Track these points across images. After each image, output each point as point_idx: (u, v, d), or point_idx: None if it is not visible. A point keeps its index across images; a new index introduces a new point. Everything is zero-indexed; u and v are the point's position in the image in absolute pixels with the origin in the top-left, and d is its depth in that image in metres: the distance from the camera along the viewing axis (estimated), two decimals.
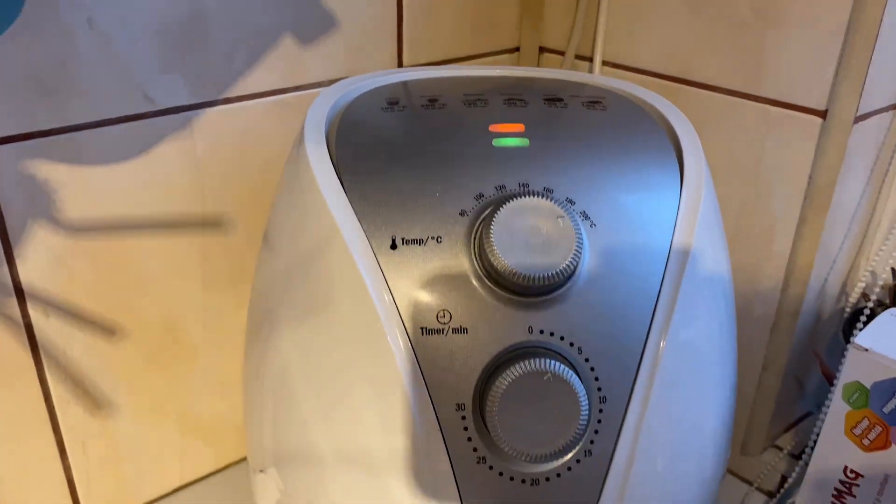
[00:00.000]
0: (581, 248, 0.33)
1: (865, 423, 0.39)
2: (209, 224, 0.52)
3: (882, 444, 0.39)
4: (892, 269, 0.55)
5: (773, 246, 0.54)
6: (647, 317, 0.34)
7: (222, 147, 0.51)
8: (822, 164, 0.50)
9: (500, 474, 0.34)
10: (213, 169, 0.51)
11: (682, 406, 0.36)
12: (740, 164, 0.54)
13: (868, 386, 0.39)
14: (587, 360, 0.34)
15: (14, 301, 0.46)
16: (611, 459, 0.34)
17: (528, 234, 0.33)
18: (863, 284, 0.54)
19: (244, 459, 0.61)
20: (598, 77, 0.48)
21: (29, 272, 0.46)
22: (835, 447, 0.41)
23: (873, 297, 0.52)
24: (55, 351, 0.48)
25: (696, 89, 0.55)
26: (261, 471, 0.41)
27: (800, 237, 0.52)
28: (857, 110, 0.48)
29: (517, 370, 0.32)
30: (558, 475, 0.34)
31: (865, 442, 0.40)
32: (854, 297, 0.55)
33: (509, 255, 0.32)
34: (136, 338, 0.52)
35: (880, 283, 0.53)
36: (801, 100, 0.50)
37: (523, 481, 0.34)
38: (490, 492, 0.34)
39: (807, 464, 0.44)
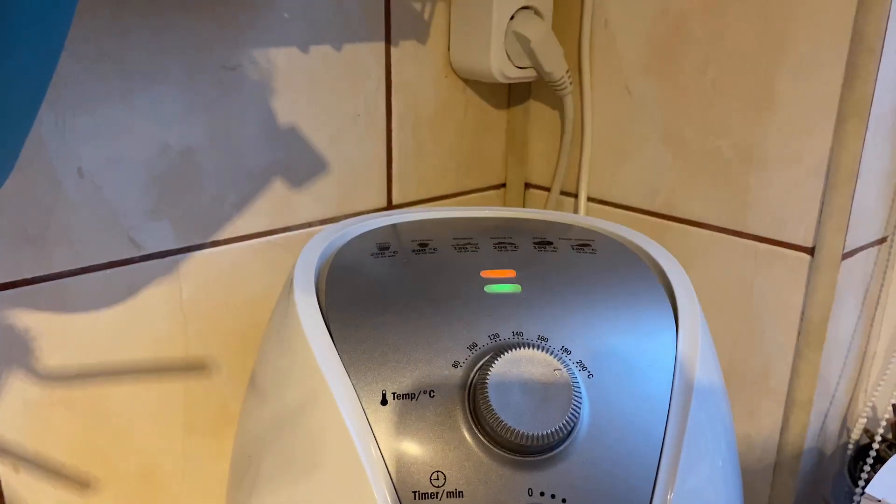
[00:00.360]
0: (580, 402, 0.32)
1: None
2: (192, 368, 0.51)
3: None
4: (894, 405, 0.53)
5: (769, 382, 0.53)
6: (652, 470, 0.33)
7: (208, 290, 0.50)
8: (814, 300, 0.49)
9: None
10: (198, 312, 0.50)
11: None
12: (731, 300, 0.53)
13: None
14: None
15: None
16: None
17: (524, 388, 0.32)
18: (864, 420, 0.53)
19: None
20: (585, 218, 0.48)
21: (2, 424, 0.44)
22: None
23: (878, 435, 0.51)
24: None
25: (682, 225, 0.55)
26: None
27: (796, 373, 0.51)
28: (843, 247, 0.48)
29: None
30: None
31: None
32: (856, 433, 0.53)
33: (506, 411, 0.31)
34: (111, 491, 0.49)
35: (883, 419, 0.52)
36: (787, 237, 0.50)
37: None
38: None
39: None
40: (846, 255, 0.49)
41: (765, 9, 0.48)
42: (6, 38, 0.21)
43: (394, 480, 0.32)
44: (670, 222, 0.56)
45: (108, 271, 0.46)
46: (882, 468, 0.40)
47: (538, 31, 0.55)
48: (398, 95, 0.56)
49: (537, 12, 0.56)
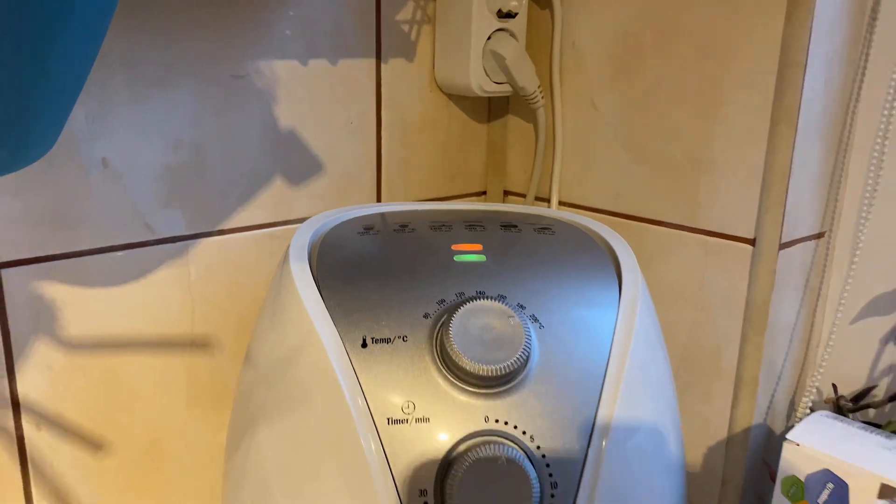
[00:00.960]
0: (530, 344, 0.38)
1: None
2: (197, 345, 0.56)
3: None
4: (833, 385, 0.59)
5: (720, 364, 0.58)
6: (594, 406, 0.38)
7: (214, 274, 0.56)
8: (756, 286, 0.55)
9: None
10: (204, 293, 0.56)
11: (631, 489, 0.39)
12: (686, 290, 0.59)
13: (803, 479, 0.42)
14: (538, 447, 0.37)
15: (10, 413, 0.49)
16: None
17: (482, 332, 0.37)
18: (809, 399, 0.58)
19: None
20: (550, 210, 0.54)
21: (26, 386, 0.49)
22: None
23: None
24: (43, 464, 0.51)
25: (642, 224, 0.61)
26: None
27: (743, 355, 0.57)
28: (780, 238, 0.54)
29: (474, 456, 0.35)
30: None
31: None
32: (801, 411, 0.58)
33: (467, 351, 0.37)
34: (120, 455, 0.54)
35: (825, 398, 0.57)
36: (733, 230, 0.56)
37: None
38: None
39: None
40: (783, 246, 0.54)
41: (709, 32, 0.55)
42: (65, 14, 0.27)
43: (371, 409, 0.37)
44: (632, 221, 0.62)
45: (125, 252, 0.52)
46: (803, 420, 0.45)
47: (512, 50, 0.61)
48: (387, 107, 0.63)
49: (512, 34, 0.63)
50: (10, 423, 0.49)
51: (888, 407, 0.59)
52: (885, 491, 0.39)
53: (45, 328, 0.49)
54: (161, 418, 0.56)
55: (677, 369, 0.61)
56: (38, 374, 0.49)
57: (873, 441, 0.43)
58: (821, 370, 0.58)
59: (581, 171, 0.65)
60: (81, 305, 0.50)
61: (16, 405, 0.49)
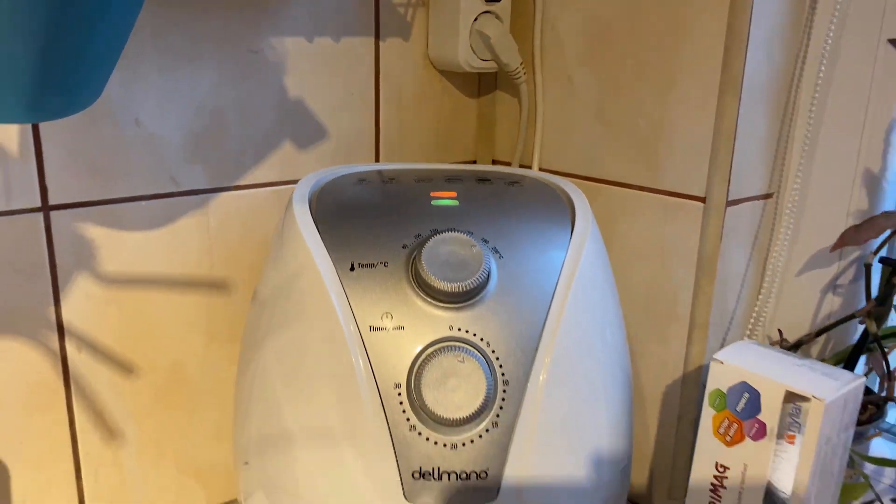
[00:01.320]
0: (489, 268, 0.45)
1: (726, 422, 0.49)
2: (215, 286, 0.64)
3: (739, 438, 0.49)
4: (779, 330, 0.66)
5: (677, 310, 0.65)
6: (542, 320, 0.46)
7: (230, 224, 0.64)
8: (706, 239, 0.62)
9: (427, 440, 0.44)
10: (222, 241, 0.64)
11: (574, 390, 0.46)
12: (647, 245, 0.66)
13: (725, 391, 0.49)
14: (493, 350, 0.45)
15: (55, 336, 0.57)
16: (513, 430, 0.44)
17: (449, 257, 0.45)
18: None
19: (234, 501, 0.69)
20: (524, 170, 0.61)
21: (70, 312, 0.57)
22: (708, 448, 0.51)
23: None
24: (82, 381, 0.59)
25: (610, 186, 0.69)
26: (245, 463, 0.51)
27: (696, 301, 0.64)
28: (727, 196, 0.61)
29: (440, 355, 0.43)
30: (472, 441, 0.44)
31: (728, 438, 0.49)
32: None
33: (435, 272, 0.45)
34: (147, 378, 0.62)
35: (771, 343, 0.64)
36: (687, 190, 0.63)
37: (445, 445, 0.44)
38: (420, 455, 0.44)
39: None
40: (731, 203, 0.62)
41: (666, 16, 0.62)
42: None
43: (356, 319, 0.45)
44: (602, 185, 0.69)
45: (153, 201, 0.60)
46: (730, 345, 0.52)
47: (496, 31, 0.69)
48: (385, 81, 0.71)
49: (497, 16, 0.70)
50: (56, 345, 0.57)
51: (829, 348, 0.66)
52: (788, 397, 0.47)
53: (85, 264, 0.57)
54: (183, 349, 0.64)
55: (639, 317, 0.68)
56: (79, 304, 0.58)
57: (786, 361, 0.50)
58: (763, 315, 0.66)
59: (559, 140, 0.72)
60: (115, 246, 0.59)
61: (60, 329, 0.57)
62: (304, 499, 0.46)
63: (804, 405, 0.46)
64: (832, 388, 0.46)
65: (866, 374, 0.65)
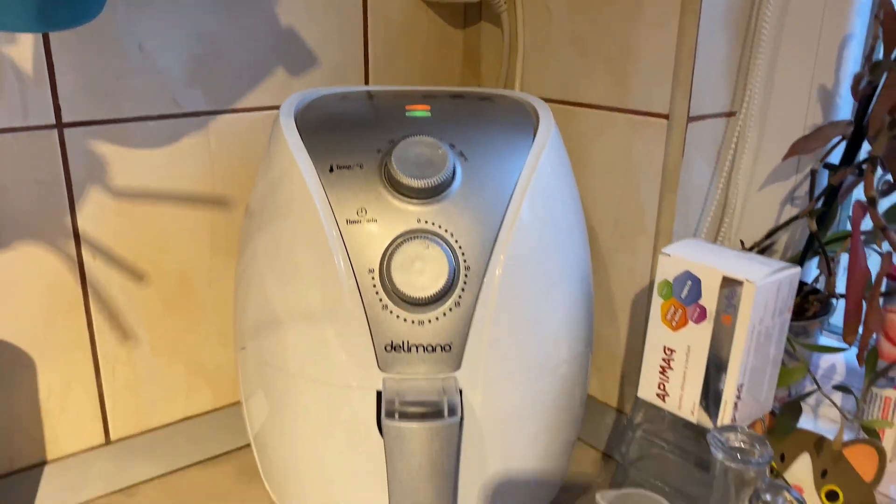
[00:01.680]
0: (454, 167, 0.50)
1: (672, 309, 0.54)
2: (218, 203, 0.70)
3: (683, 323, 0.54)
4: (741, 241, 0.70)
5: (644, 223, 0.70)
6: (501, 215, 0.51)
7: (229, 144, 0.69)
8: (670, 153, 0.67)
9: (398, 317, 0.50)
10: (222, 160, 0.69)
11: (529, 276, 0.52)
12: (617, 162, 0.71)
13: (671, 280, 0.54)
14: (456, 241, 0.50)
15: (72, 243, 0.63)
16: (474, 309, 0.50)
17: (417, 157, 0.50)
18: None
19: (238, 403, 0.76)
20: (497, 89, 0.66)
21: (84, 221, 0.63)
22: (657, 334, 0.56)
23: None
24: (98, 285, 0.65)
25: (584, 109, 0.73)
26: (242, 348, 0.57)
27: (661, 212, 0.68)
28: (689, 112, 0.65)
29: (408, 243, 0.49)
30: (437, 318, 0.50)
31: (673, 324, 0.54)
32: None
33: (404, 170, 0.50)
34: (157, 286, 0.69)
35: None
36: (652, 108, 0.67)
37: (413, 322, 0.50)
38: (391, 331, 0.50)
39: None
40: (692, 119, 0.66)
41: None
42: None
43: (335, 214, 0.50)
44: (578, 108, 0.74)
45: (158, 121, 0.65)
46: (679, 241, 0.57)
47: None
48: (373, 12, 0.75)
49: None
50: (73, 251, 0.63)
51: (787, 258, 0.70)
52: (725, 282, 0.52)
53: (96, 178, 0.63)
54: (189, 260, 0.70)
55: (610, 231, 0.73)
56: (93, 214, 0.64)
57: (728, 253, 0.55)
58: (726, 226, 0.70)
59: (538, 66, 0.77)
60: (124, 162, 0.64)
61: (77, 237, 0.63)
62: (292, 372, 0.52)
63: (739, 289, 0.51)
64: (764, 274, 0.51)
65: (817, 278, 0.70)
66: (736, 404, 0.53)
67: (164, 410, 0.72)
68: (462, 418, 0.51)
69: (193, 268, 0.70)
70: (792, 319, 0.56)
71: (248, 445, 0.73)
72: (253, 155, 0.71)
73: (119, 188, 0.65)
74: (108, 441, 0.69)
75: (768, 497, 0.46)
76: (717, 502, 0.47)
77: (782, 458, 0.63)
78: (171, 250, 0.69)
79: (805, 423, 0.65)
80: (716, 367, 0.54)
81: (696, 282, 0.53)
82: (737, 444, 0.46)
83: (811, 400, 0.71)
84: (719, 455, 0.46)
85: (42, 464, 0.66)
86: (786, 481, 0.62)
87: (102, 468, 0.69)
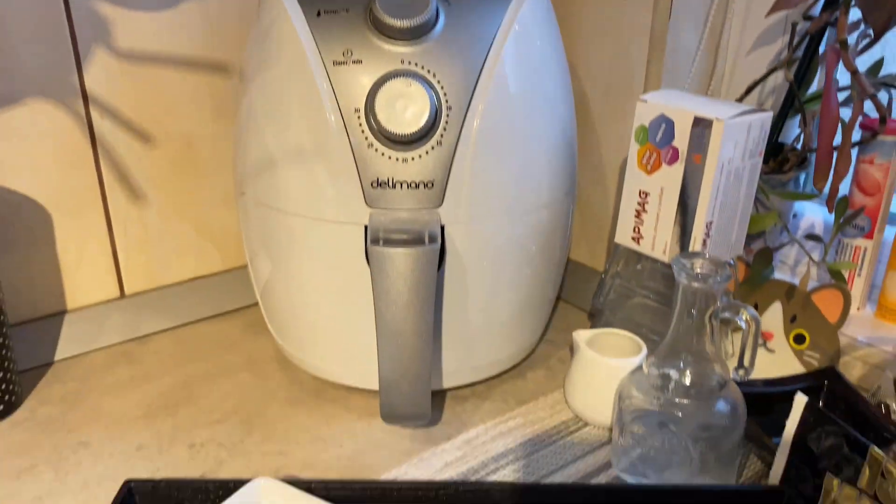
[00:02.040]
0: (437, 9, 0.52)
1: (647, 153, 0.57)
2: (218, 68, 0.73)
3: (657, 166, 0.56)
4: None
5: (632, 86, 0.72)
6: (483, 58, 0.53)
7: (228, 11, 0.71)
8: (656, 19, 0.68)
9: (383, 155, 0.53)
10: (221, 28, 0.71)
11: (509, 119, 0.54)
12: (610, 29, 0.72)
13: (647, 125, 0.57)
14: (438, 81, 0.52)
15: (81, 102, 0.66)
16: (455, 148, 0.53)
17: (400, 0, 0.52)
18: None
19: (244, 266, 0.80)
20: None
21: (91, 81, 0.66)
22: (633, 178, 0.58)
23: None
24: (107, 145, 0.69)
25: None
26: (242, 193, 0.61)
27: (648, 74, 0.70)
28: None
29: (391, 81, 0.51)
30: (420, 157, 0.53)
31: (648, 167, 0.57)
32: None
33: (388, 11, 0.52)
34: (163, 147, 0.72)
35: None
36: None
37: (398, 160, 0.53)
38: (377, 168, 0.53)
39: None
40: None
41: None
42: None
43: (322, 55, 0.53)
44: None
45: None
46: (657, 91, 0.59)
47: None
48: None
49: None
50: (82, 111, 0.67)
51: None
52: (696, 122, 0.54)
53: (101, 39, 0.66)
54: (193, 125, 0.73)
55: (601, 98, 0.75)
56: (98, 74, 0.66)
57: (701, 100, 0.57)
58: (713, 89, 0.72)
59: None
60: (126, 25, 0.67)
61: (84, 96, 0.66)
62: (287, 210, 0.56)
63: (709, 130, 0.53)
64: (733, 114, 0.53)
65: (797, 137, 0.71)
66: (705, 241, 0.56)
67: (175, 269, 0.77)
68: (444, 251, 0.54)
69: (197, 131, 0.73)
70: (770, 173, 0.59)
71: (256, 304, 0.78)
72: (250, 23, 0.73)
73: (122, 50, 0.67)
74: (122, 295, 0.74)
75: (727, 314, 0.49)
76: (679, 324, 0.50)
77: (756, 307, 0.66)
78: (175, 114, 0.72)
79: (781, 277, 0.68)
80: (690, 212, 0.56)
81: (670, 124, 0.55)
82: (699, 270, 0.49)
83: (789, 259, 0.74)
84: (682, 277, 0.49)
85: (62, 312, 0.71)
86: None
87: (118, 319, 0.74)
